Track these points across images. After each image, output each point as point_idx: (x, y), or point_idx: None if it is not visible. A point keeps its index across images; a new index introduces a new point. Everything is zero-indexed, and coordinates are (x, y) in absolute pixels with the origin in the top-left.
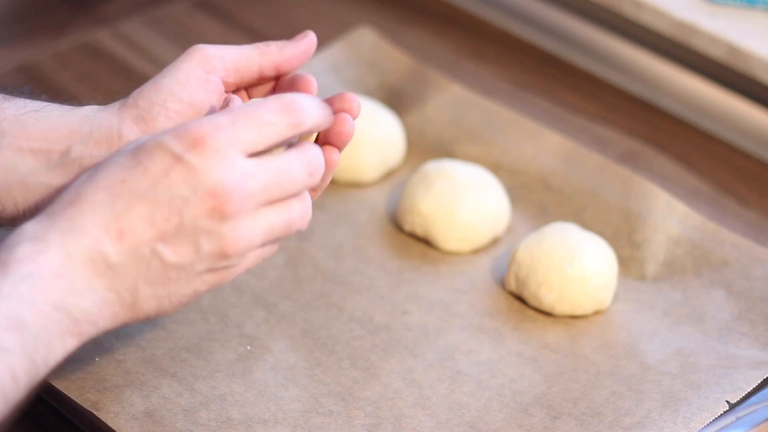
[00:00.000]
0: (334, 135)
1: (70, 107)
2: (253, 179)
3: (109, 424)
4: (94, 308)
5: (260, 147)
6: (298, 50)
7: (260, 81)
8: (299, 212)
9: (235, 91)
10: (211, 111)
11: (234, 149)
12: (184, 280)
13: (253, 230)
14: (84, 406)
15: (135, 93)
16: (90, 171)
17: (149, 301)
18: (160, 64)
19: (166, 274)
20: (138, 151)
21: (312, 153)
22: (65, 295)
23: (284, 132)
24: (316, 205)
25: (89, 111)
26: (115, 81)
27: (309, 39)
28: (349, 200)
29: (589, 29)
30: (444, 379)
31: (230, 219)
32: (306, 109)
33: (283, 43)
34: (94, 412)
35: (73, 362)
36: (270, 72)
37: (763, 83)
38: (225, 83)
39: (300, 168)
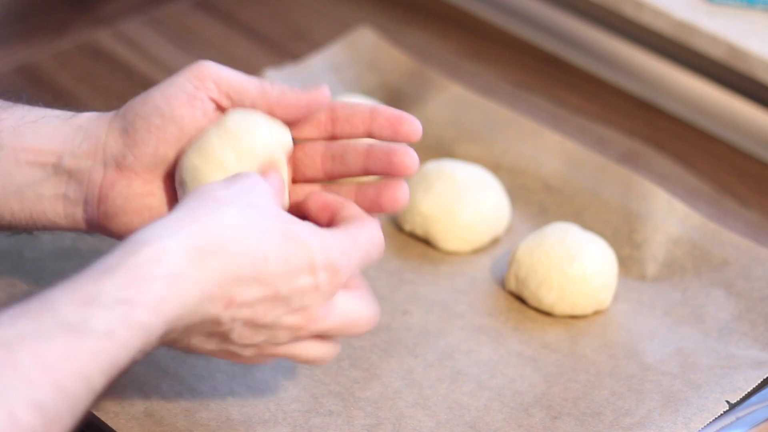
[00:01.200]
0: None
1: (69, 115)
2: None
3: (109, 424)
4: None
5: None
6: (298, 102)
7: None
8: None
9: None
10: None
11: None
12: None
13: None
14: None
15: (128, 103)
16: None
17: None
18: (160, 64)
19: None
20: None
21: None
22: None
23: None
24: None
25: (85, 120)
26: (115, 81)
27: (317, 94)
28: None
29: (589, 29)
30: (444, 379)
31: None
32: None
33: (288, 90)
34: (94, 412)
35: None
36: (263, 109)
37: (763, 83)
38: (217, 105)
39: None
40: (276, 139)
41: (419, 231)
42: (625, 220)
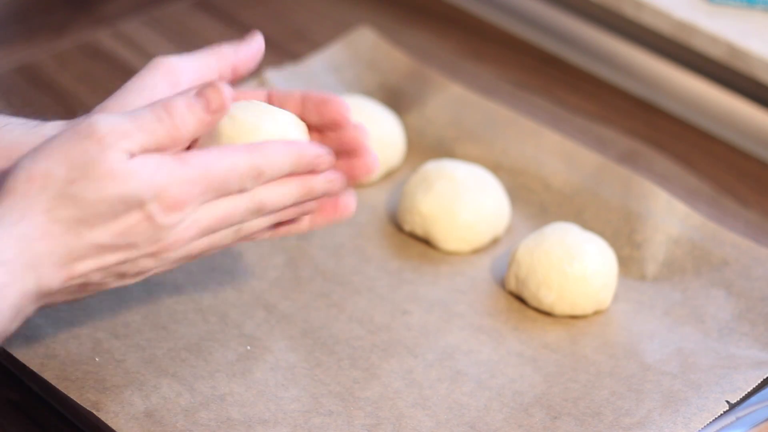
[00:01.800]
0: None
1: (34, 124)
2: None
3: (109, 424)
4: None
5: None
6: (251, 50)
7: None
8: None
9: None
10: None
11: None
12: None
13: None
14: (84, 406)
15: (98, 107)
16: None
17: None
18: None
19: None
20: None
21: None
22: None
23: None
24: None
25: (52, 129)
26: (115, 81)
27: (258, 38)
28: None
29: (589, 29)
30: (444, 379)
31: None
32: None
33: (236, 45)
34: (94, 412)
35: (73, 362)
36: (227, 75)
37: (763, 83)
38: None
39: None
40: (285, 125)
41: (419, 231)
42: (625, 220)
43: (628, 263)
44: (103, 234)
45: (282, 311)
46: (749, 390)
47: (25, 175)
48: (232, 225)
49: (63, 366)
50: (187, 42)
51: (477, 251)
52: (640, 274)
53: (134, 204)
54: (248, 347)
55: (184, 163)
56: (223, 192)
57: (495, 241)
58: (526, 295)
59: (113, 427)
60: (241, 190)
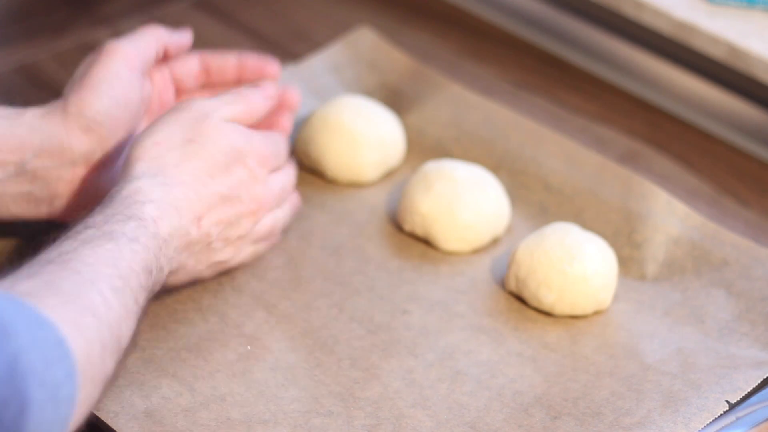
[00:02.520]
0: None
1: (14, 114)
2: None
3: (110, 424)
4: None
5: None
6: (182, 39)
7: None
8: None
9: None
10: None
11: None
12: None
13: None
14: None
15: (75, 99)
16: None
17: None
18: None
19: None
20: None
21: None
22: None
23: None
24: (316, 205)
25: (33, 119)
26: None
27: (188, 34)
28: (349, 200)
29: (589, 29)
30: (444, 379)
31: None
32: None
33: (170, 31)
34: (94, 412)
35: None
36: (161, 54)
37: (763, 83)
38: (144, 77)
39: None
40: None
41: (419, 231)
42: (625, 221)
43: (628, 263)
44: (220, 184)
45: (282, 311)
46: (749, 390)
47: (150, 142)
48: (290, 192)
49: None
50: None
51: (477, 251)
52: (640, 274)
53: (238, 156)
54: (248, 347)
55: (262, 133)
56: (281, 162)
57: (495, 241)
58: (526, 295)
59: (113, 426)
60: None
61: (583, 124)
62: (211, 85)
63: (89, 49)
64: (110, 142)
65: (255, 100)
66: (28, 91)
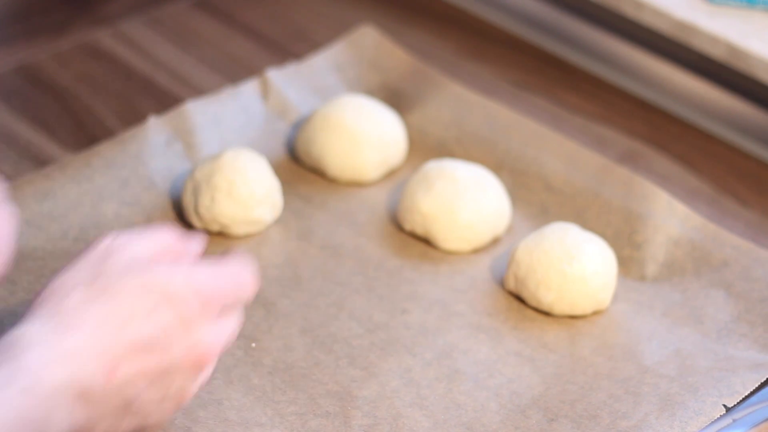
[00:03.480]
0: None
1: None
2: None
3: None
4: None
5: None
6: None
7: None
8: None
9: None
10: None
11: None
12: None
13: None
14: None
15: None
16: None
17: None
18: (160, 64)
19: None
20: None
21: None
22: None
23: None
24: (317, 205)
25: None
26: (115, 81)
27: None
28: (349, 200)
29: (589, 29)
30: (442, 378)
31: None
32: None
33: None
34: None
35: None
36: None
37: (763, 83)
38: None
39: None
40: None
41: (419, 230)
42: (625, 221)
43: (628, 264)
44: (136, 331)
45: (281, 310)
46: (747, 393)
47: (58, 283)
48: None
49: None
50: (187, 42)
51: (477, 251)
52: (639, 274)
53: (163, 297)
54: (253, 344)
55: (209, 266)
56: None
57: (495, 241)
58: (525, 294)
59: None
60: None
61: (583, 124)
62: None
63: (89, 49)
64: None
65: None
66: (28, 91)
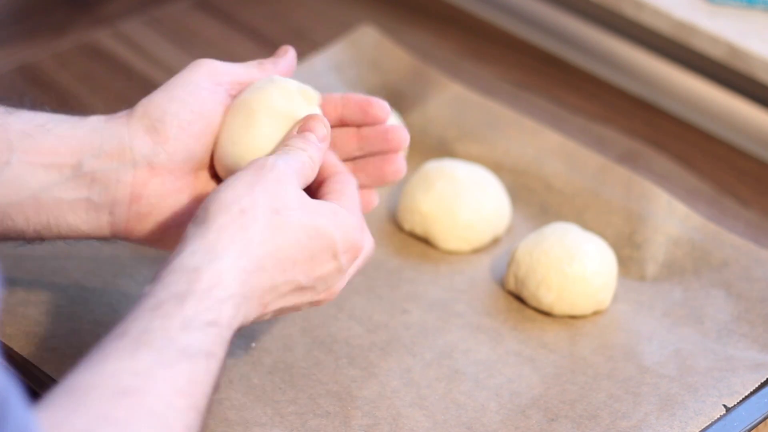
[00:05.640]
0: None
1: (77, 118)
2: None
3: None
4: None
5: None
6: (288, 63)
7: None
8: None
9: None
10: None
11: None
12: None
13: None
14: None
15: (144, 102)
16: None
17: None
18: (160, 64)
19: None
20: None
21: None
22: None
23: None
24: None
25: (96, 122)
26: (115, 81)
27: (292, 52)
28: None
29: (589, 29)
30: (442, 378)
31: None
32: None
33: (274, 59)
34: None
35: (74, 356)
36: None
37: (763, 83)
38: (230, 96)
39: None
40: (291, 96)
41: (419, 230)
42: (625, 221)
43: (628, 264)
44: (301, 273)
45: None
46: (747, 393)
47: (237, 209)
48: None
49: (63, 359)
50: (187, 42)
51: (477, 251)
52: (639, 274)
53: (329, 244)
54: (253, 344)
55: (353, 213)
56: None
57: (495, 241)
58: (525, 294)
59: None
60: None
61: (583, 124)
62: None
63: (89, 49)
64: (176, 147)
65: (317, 157)
66: (28, 91)
